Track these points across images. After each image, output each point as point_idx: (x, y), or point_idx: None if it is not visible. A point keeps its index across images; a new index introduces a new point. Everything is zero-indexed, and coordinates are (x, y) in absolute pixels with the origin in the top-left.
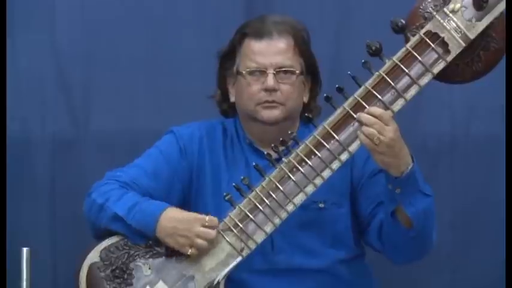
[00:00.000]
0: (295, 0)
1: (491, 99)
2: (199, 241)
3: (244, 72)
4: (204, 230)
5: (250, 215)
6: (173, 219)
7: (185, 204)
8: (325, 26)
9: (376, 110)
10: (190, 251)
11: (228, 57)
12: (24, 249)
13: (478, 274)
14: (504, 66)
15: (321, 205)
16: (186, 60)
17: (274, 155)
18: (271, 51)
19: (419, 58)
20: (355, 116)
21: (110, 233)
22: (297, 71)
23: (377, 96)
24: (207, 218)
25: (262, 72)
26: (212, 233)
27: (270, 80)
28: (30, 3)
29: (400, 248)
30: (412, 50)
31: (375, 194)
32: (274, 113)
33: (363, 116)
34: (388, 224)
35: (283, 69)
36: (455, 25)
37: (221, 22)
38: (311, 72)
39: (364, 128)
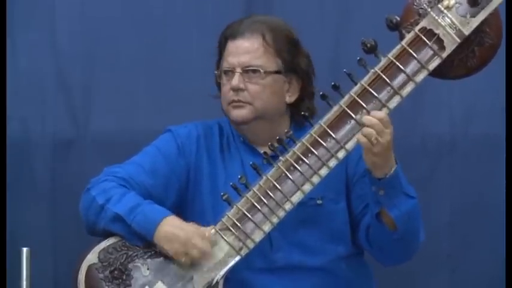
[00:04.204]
0: (295, 1)
1: (490, 99)
2: (195, 252)
3: (219, 73)
4: (201, 243)
5: (248, 214)
6: (175, 226)
7: (182, 202)
8: (324, 27)
9: (379, 113)
10: (184, 259)
11: (218, 60)
12: (24, 249)
13: (477, 274)
14: (503, 65)
15: (319, 202)
16: (186, 60)
17: (270, 153)
18: (239, 51)
19: (415, 55)
20: (351, 113)
21: (108, 233)
22: (265, 71)
23: (373, 94)
24: (206, 233)
25: (232, 72)
26: (208, 248)
27: (235, 80)
28: (30, 3)
29: (386, 249)
30: (407, 47)
31: (364, 194)
32: (242, 113)
33: (365, 117)
34: (374, 226)
35: (250, 68)
36: (450, 21)
37: (221, 22)
38: (295, 71)
39: (364, 128)
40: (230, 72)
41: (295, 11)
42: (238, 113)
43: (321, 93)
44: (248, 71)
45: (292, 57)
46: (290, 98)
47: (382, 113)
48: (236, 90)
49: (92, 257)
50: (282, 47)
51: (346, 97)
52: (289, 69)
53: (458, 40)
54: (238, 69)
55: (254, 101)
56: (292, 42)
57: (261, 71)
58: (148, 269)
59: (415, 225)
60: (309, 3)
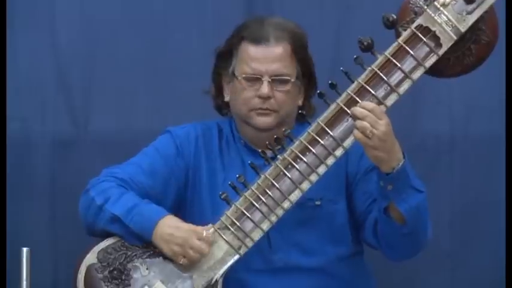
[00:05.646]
0: (295, 1)
1: (489, 98)
2: (192, 253)
3: (240, 77)
4: (198, 243)
5: (246, 213)
6: (171, 227)
7: (181, 203)
8: (325, 26)
9: (369, 104)
10: (182, 260)
11: (225, 56)
12: (24, 249)
13: (477, 273)
14: (502, 65)
15: (317, 203)
16: (186, 60)
17: (268, 153)
18: (267, 58)
19: (411, 52)
20: (348, 111)
21: (107, 233)
22: (293, 79)
23: (370, 91)
24: (204, 233)
25: (257, 78)
26: (206, 248)
27: (265, 88)
28: (30, 3)
29: (395, 244)
30: (404, 45)
31: (370, 190)
32: (268, 120)
33: (356, 109)
34: (382, 221)
35: (279, 77)
36: (446, 18)
37: (221, 22)
38: (306, 75)
39: (357, 122)
40: (254, 78)
41: (295, 11)
42: (265, 120)
43: (318, 91)
44: (276, 79)
45: (306, 63)
46: (300, 101)
47: (372, 104)
48: (265, 98)
49: (91, 257)
50: (301, 53)
51: (343, 95)
52: (303, 75)
53: (455, 37)
54: (267, 77)
55: (280, 109)
56: (306, 47)
57: (292, 80)
58: (147, 268)
59: (423, 219)
60: (309, 3)
